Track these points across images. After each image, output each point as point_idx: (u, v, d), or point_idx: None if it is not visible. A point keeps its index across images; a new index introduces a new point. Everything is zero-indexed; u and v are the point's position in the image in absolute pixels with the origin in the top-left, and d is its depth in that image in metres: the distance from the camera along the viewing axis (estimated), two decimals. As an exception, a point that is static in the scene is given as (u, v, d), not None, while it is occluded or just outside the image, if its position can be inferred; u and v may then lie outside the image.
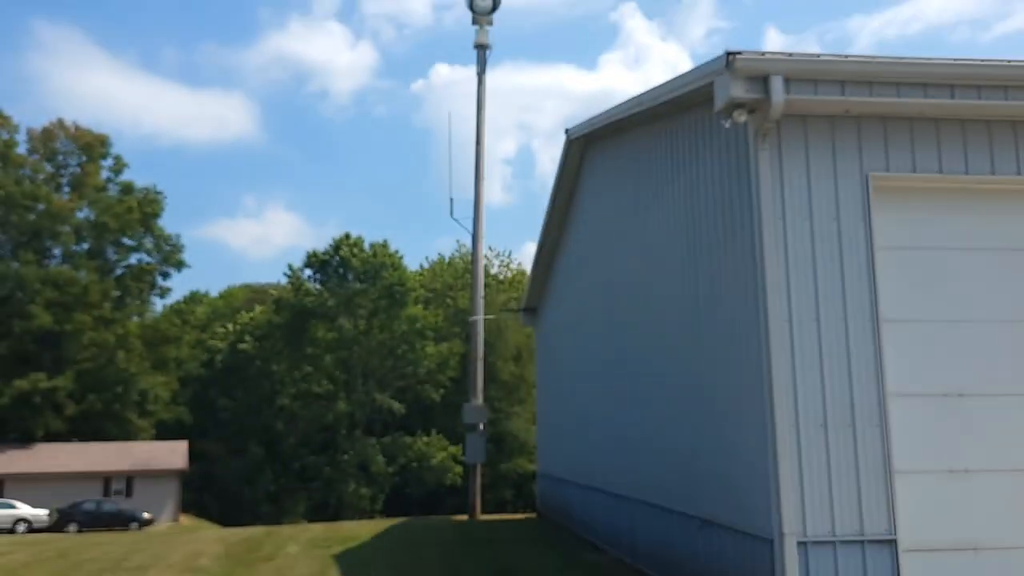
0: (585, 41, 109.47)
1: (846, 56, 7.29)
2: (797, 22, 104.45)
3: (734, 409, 8.08)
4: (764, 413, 7.21)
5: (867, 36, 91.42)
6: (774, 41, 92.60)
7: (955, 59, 7.37)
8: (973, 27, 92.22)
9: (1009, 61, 7.36)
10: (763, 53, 7.15)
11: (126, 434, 41.70)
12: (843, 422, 7.15)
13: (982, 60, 7.36)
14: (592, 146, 14.66)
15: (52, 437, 39.32)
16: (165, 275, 44.03)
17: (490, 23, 19.90)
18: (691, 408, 9.43)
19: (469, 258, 52.20)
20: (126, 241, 42.48)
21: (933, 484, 7.34)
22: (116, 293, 41.69)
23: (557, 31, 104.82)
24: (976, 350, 7.64)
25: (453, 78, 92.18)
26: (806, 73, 7.16)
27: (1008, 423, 7.53)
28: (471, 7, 19.28)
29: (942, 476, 7.38)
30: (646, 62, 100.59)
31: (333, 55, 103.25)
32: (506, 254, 55.01)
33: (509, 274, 53.44)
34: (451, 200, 19.37)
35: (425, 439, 46.33)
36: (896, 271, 7.59)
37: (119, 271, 42.80)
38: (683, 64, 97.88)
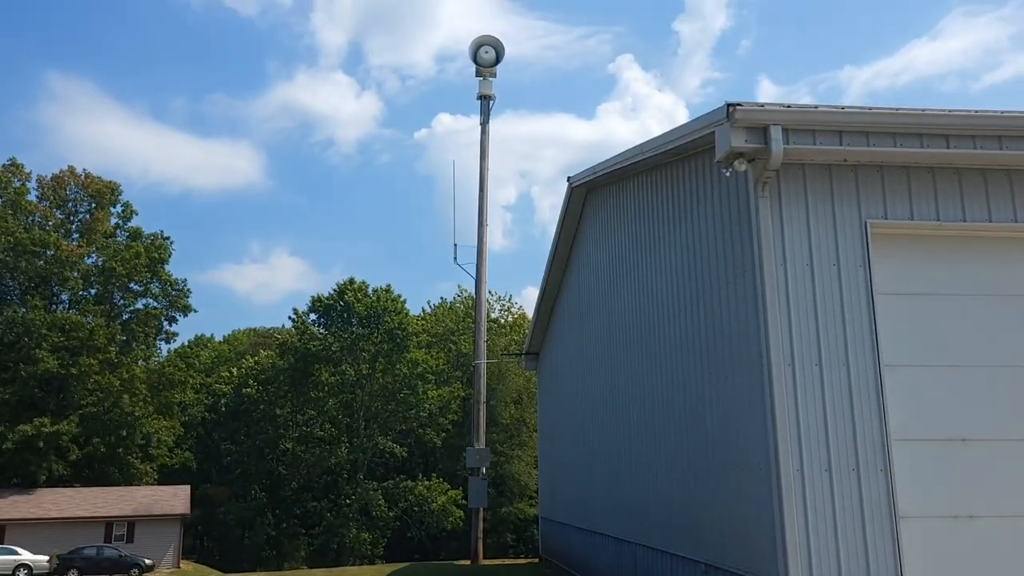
0: (583, 91, 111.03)
1: (843, 107, 7.46)
2: (789, 73, 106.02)
3: (738, 453, 8.12)
4: (768, 457, 7.26)
5: (858, 86, 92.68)
6: (767, 91, 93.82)
7: (950, 110, 7.54)
8: (963, 78, 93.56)
9: (1003, 112, 7.53)
10: (762, 104, 7.33)
11: (129, 479, 41.50)
12: (847, 466, 7.18)
13: (976, 111, 7.53)
14: (594, 193, 14.86)
15: (55, 482, 39.15)
16: (172, 320, 44.16)
17: (493, 75, 20.30)
18: (695, 451, 9.46)
19: (470, 302, 52.59)
20: (133, 286, 42.68)
21: (938, 530, 7.34)
22: (122, 338, 41.79)
23: (556, 82, 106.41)
24: (977, 395, 7.70)
25: (455, 127, 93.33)
26: (805, 124, 7.33)
27: (1011, 469, 7.56)
28: (475, 60, 19.69)
29: (947, 521, 7.39)
30: (643, 111, 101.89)
31: (339, 105, 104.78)
32: (507, 298, 55.22)
33: (510, 318, 53.52)
34: (455, 246, 19.56)
35: (426, 483, 46.06)
36: (896, 316, 7.68)
37: (126, 316, 42.96)
38: (679, 113, 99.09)
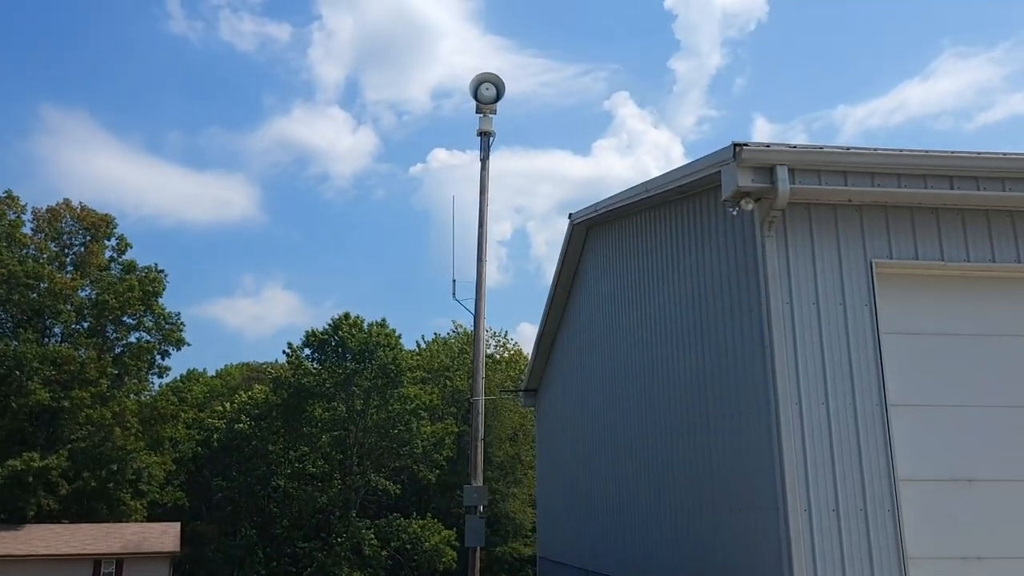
0: (579, 128, 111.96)
1: (848, 148, 7.55)
2: (784, 111, 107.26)
3: (744, 493, 8.07)
4: (776, 497, 7.22)
5: (852, 125, 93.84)
6: (762, 129, 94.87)
7: (954, 152, 7.63)
8: (956, 117, 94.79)
9: (1005, 154, 7.62)
10: (768, 145, 7.41)
11: (118, 515, 40.99)
12: (855, 507, 7.15)
13: (979, 153, 7.62)
14: (596, 230, 14.93)
15: (44, 517, 38.63)
16: (164, 354, 43.94)
17: (494, 112, 20.42)
18: (699, 492, 9.40)
19: (466, 338, 52.49)
20: (126, 320, 42.54)
21: (947, 572, 7.30)
22: (114, 371, 41.52)
23: (552, 118, 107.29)
24: (983, 435, 7.71)
25: (451, 162, 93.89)
26: (810, 164, 7.41)
27: (1019, 510, 7.54)
28: (476, 96, 19.82)
29: (955, 563, 7.34)
30: (638, 148, 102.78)
31: (335, 140, 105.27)
32: (503, 334, 55.09)
33: (506, 354, 53.41)
34: (454, 282, 19.53)
35: (420, 522, 45.57)
36: (902, 356, 7.70)
37: (118, 349, 42.77)
38: (674, 150, 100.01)
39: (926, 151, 7.60)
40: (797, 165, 7.33)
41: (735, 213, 7.69)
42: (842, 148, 7.52)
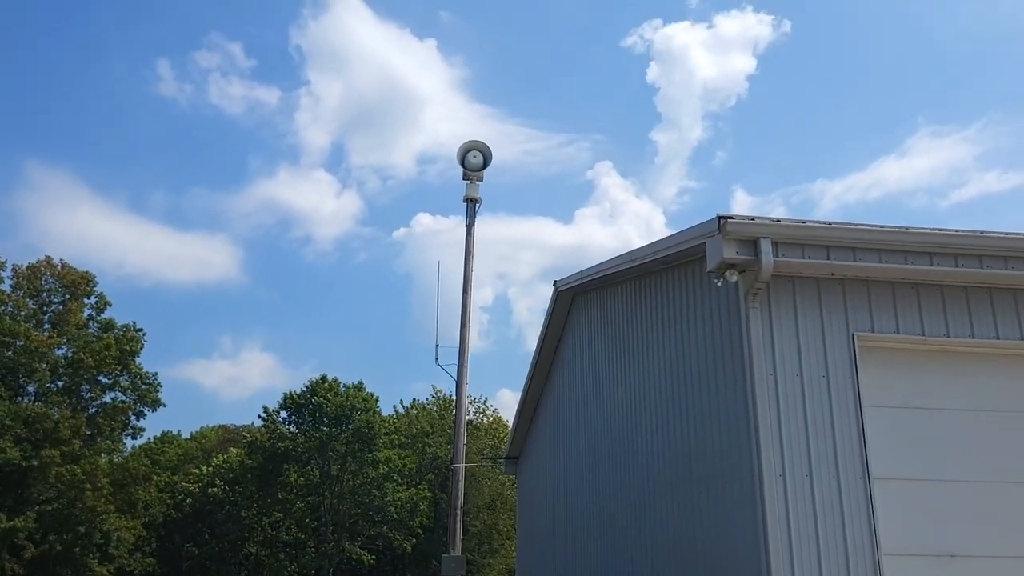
0: (562, 196, 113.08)
1: (830, 223, 7.71)
2: (764, 184, 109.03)
3: (729, 567, 8.01)
4: (760, 572, 7.17)
5: (830, 200, 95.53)
6: (742, 201, 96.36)
7: (933, 229, 7.82)
8: (931, 195, 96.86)
9: (982, 232, 7.82)
10: (753, 218, 7.56)
11: (85, 580, 39.85)
12: (840, 581, 7.11)
13: (958, 231, 7.81)
14: (580, 297, 15.03)
15: (6, 582, 37.52)
16: (140, 415, 43.27)
17: (480, 179, 20.63)
18: (682, 564, 9.31)
19: (445, 403, 52.04)
20: (102, 379, 41.99)
21: (932, 648, 7.24)
22: (87, 432, 40.79)
23: (535, 186, 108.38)
24: (963, 510, 7.73)
25: (434, 227, 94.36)
26: (793, 238, 7.56)
27: (1002, 586, 7.52)
28: (463, 164, 20.06)
29: (940, 640, 7.28)
30: (621, 217, 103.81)
31: (319, 203, 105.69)
32: (483, 400, 54.72)
33: (485, 420, 52.96)
34: (437, 347, 19.47)
35: (395, 593, 44.69)
36: (884, 429, 7.75)
37: (92, 409, 42.10)
38: (656, 220, 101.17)
39: (906, 228, 7.78)
40: (780, 238, 7.48)
41: (720, 284, 7.80)
42: (824, 223, 7.69)
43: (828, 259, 7.64)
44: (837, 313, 7.88)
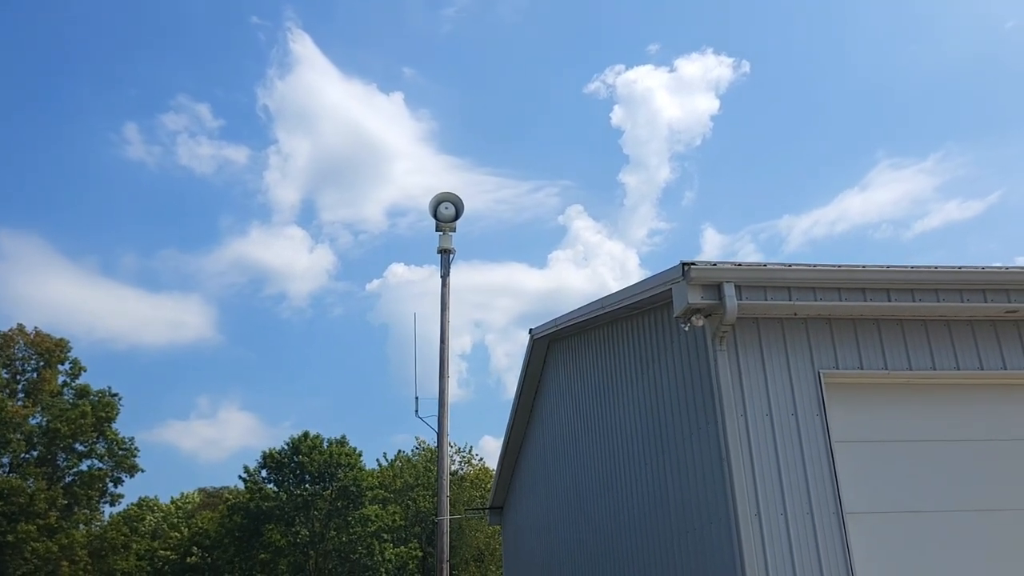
0: (535, 241, 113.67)
1: (790, 265, 7.94)
2: (732, 222, 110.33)
3: (711, 607, 8.07)
4: (741, 611, 7.24)
5: (798, 235, 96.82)
6: (712, 240, 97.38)
7: (888, 266, 8.07)
8: (895, 226, 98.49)
9: (937, 267, 8.07)
10: (715, 263, 7.78)
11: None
12: (819, 618, 7.19)
13: (913, 267, 8.06)
14: (556, 344, 15.18)
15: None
16: (117, 481, 42.60)
17: (453, 230, 20.78)
18: (667, 608, 9.35)
19: (429, 455, 51.55)
20: (78, 447, 41.38)
21: None
22: (64, 502, 40.06)
23: (507, 233, 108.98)
24: (937, 541, 7.84)
25: (409, 277, 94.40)
26: (755, 280, 7.77)
27: (979, 614, 7.63)
28: (435, 215, 20.23)
29: (922, 672, 7.36)
30: (594, 259, 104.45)
31: (292, 259, 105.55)
32: (467, 449, 54.32)
33: (471, 470, 52.51)
34: (416, 399, 19.47)
35: (384, 654, 43.74)
36: (854, 464, 7.90)
37: (69, 478, 41.43)
38: (629, 261, 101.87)
39: (864, 266, 8.02)
40: (743, 282, 7.69)
41: (687, 329, 7.99)
42: (784, 265, 7.91)
43: (790, 300, 7.84)
44: (802, 352, 8.08)
